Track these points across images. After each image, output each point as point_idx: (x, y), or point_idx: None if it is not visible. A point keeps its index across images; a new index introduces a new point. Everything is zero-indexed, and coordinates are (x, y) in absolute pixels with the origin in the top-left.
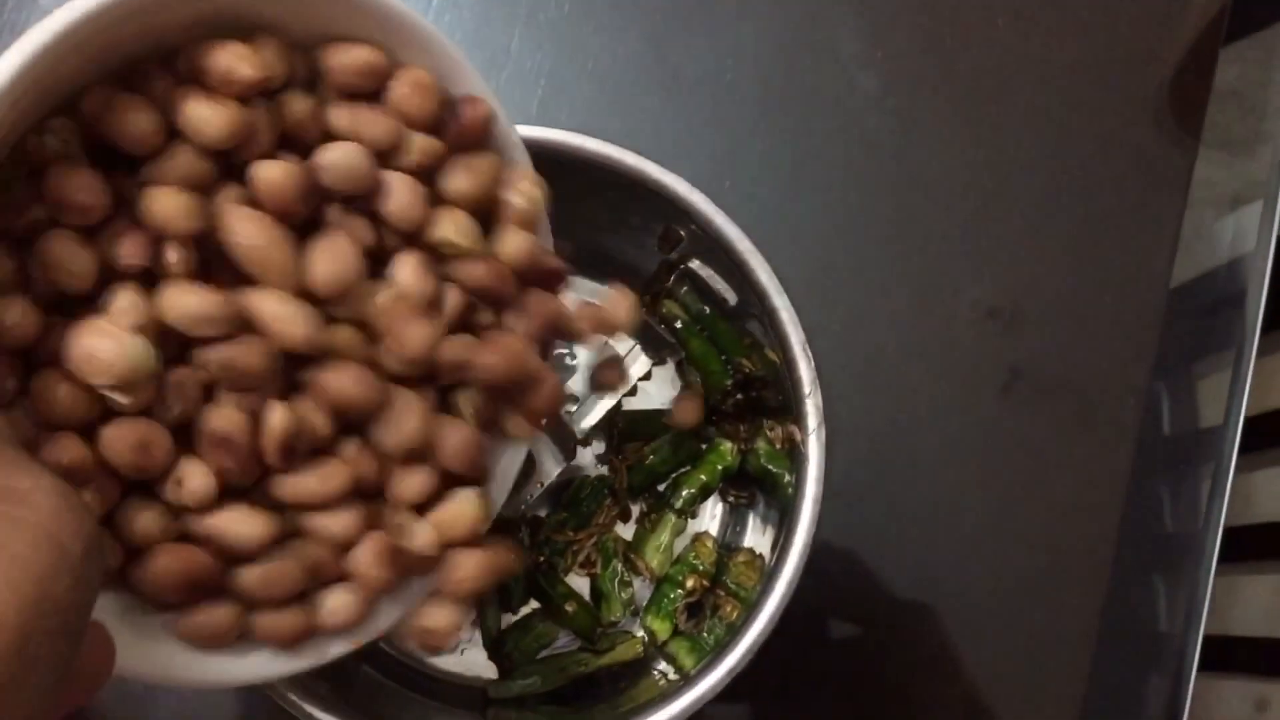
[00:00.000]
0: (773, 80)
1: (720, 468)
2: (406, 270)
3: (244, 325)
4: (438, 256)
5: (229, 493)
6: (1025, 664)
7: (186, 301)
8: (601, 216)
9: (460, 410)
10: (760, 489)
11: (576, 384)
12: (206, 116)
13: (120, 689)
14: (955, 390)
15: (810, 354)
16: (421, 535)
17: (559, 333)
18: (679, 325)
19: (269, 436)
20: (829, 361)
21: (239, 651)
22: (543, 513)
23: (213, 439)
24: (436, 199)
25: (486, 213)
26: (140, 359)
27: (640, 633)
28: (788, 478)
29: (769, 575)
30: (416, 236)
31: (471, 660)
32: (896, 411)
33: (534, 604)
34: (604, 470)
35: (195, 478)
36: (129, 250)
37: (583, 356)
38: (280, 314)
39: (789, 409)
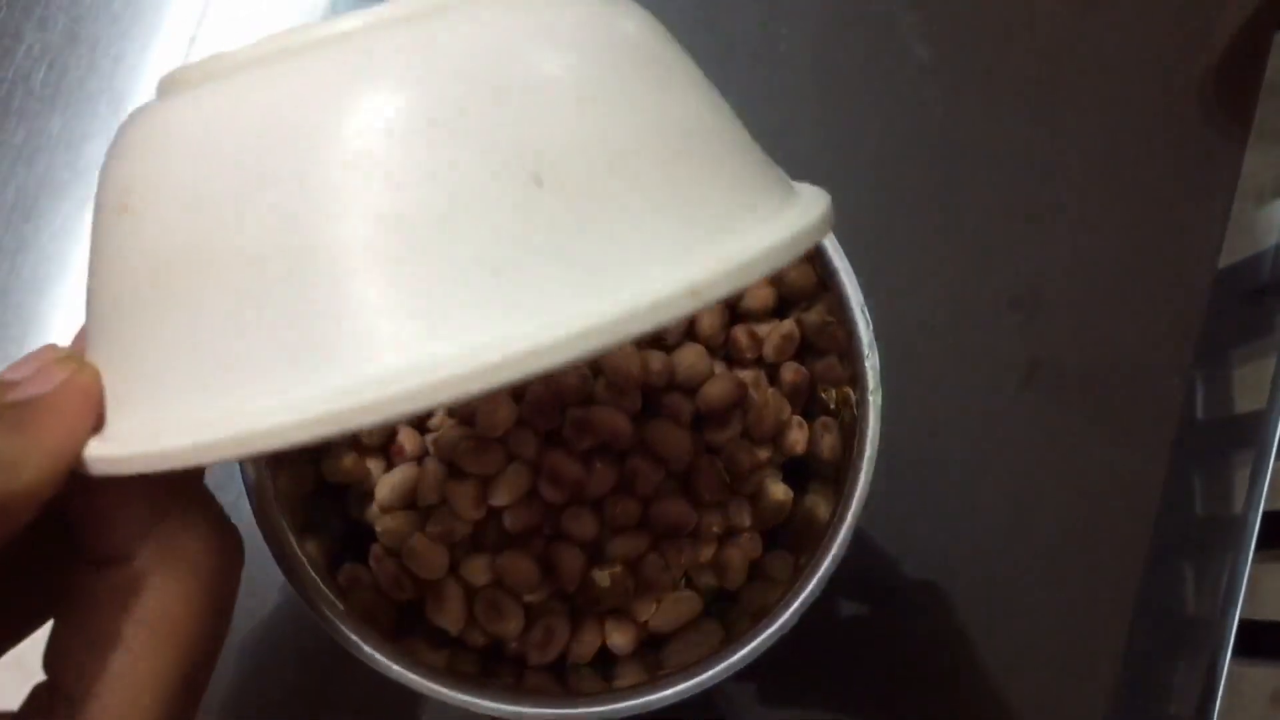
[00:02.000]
0: (827, 50)
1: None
2: None
3: None
4: None
5: None
6: (1049, 652)
7: None
8: None
9: None
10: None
11: None
12: None
13: None
14: (980, 375)
15: (868, 316)
16: None
17: None
18: None
19: None
20: None
21: None
22: None
23: None
24: None
25: None
26: None
27: None
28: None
29: (824, 536)
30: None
31: None
32: (926, 393)
33: None
34: None
35: None
36: None
37: None
38: None
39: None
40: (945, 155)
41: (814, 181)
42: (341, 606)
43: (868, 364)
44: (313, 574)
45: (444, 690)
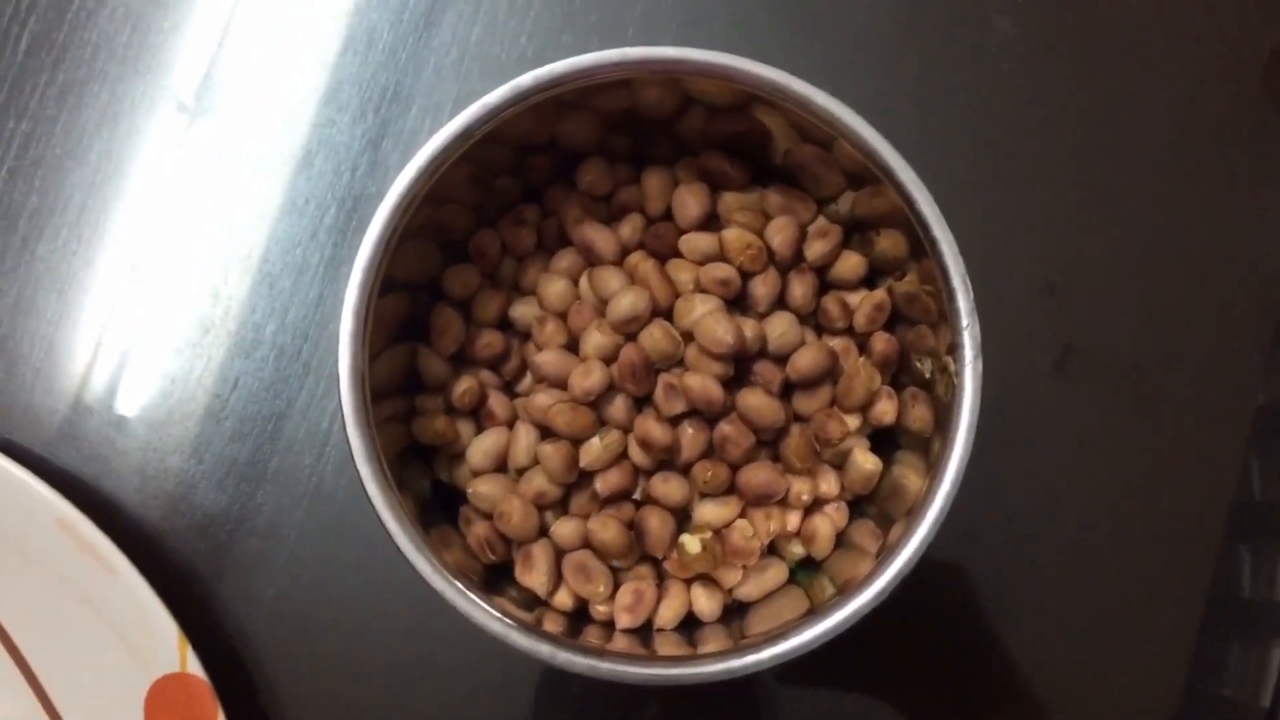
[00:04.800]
0: (908, 19)
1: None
2: None
3: None
4: None
5: None
6: (1073, 641)
7: None
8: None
9: None
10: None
11: None
12: None
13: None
14: (1012, 359)
15: (969, 286)
16: None
17: None
18: None
19: None
20: None
21: None
22: None
23: None
24: None
25: None
26: None
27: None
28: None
29: (918, 507)
30: None
31: None
32: None
33: None
34: None
35: None
36: None
37: None
38: None
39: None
40: (1019, 130)
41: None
42: (440, 562)
43: (967, 334)
44: (415, 527)
45: (548, 648)
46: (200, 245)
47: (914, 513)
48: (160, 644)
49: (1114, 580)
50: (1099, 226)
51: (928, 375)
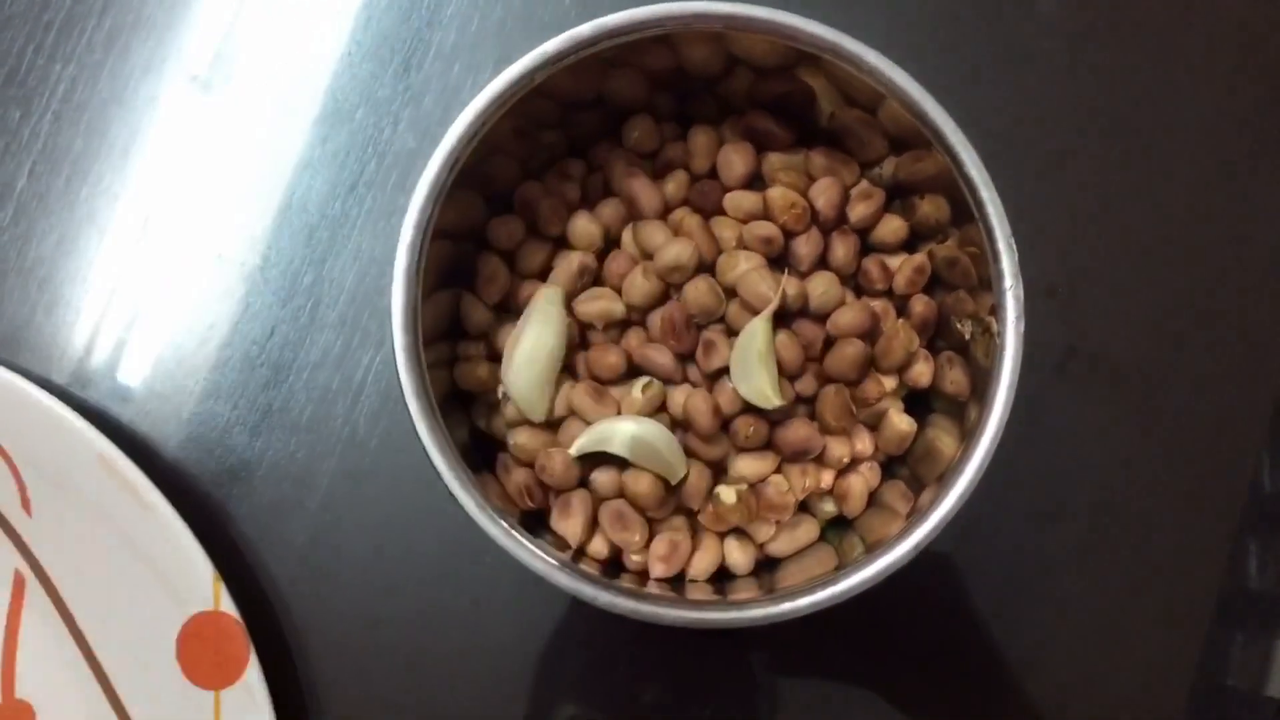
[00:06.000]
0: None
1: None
2: None
3: None
4: None
5: None
6: (1068, 639)
7: None
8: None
9: None
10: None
11: None
12: None
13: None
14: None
15: (1014, 248)
16: None
17: None
18: None
19: None
20: None
21: None
22: None
23: None
24: None
25: None
26: None
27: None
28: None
29: (953, 468)
30: None
31: None
32: None
33: None
34: None
35: None
36: None
37: None
38: None
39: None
40: (1058, 111)
41: None
42: (486, 500)
43: (1010, 294)
44: (462, 466)
45: (590, 588)
46: (242, 193)
47: (952, 468)
48: (195, 582)
49: (1119, 577)
50: (1104, 229)
51: (968, 336)
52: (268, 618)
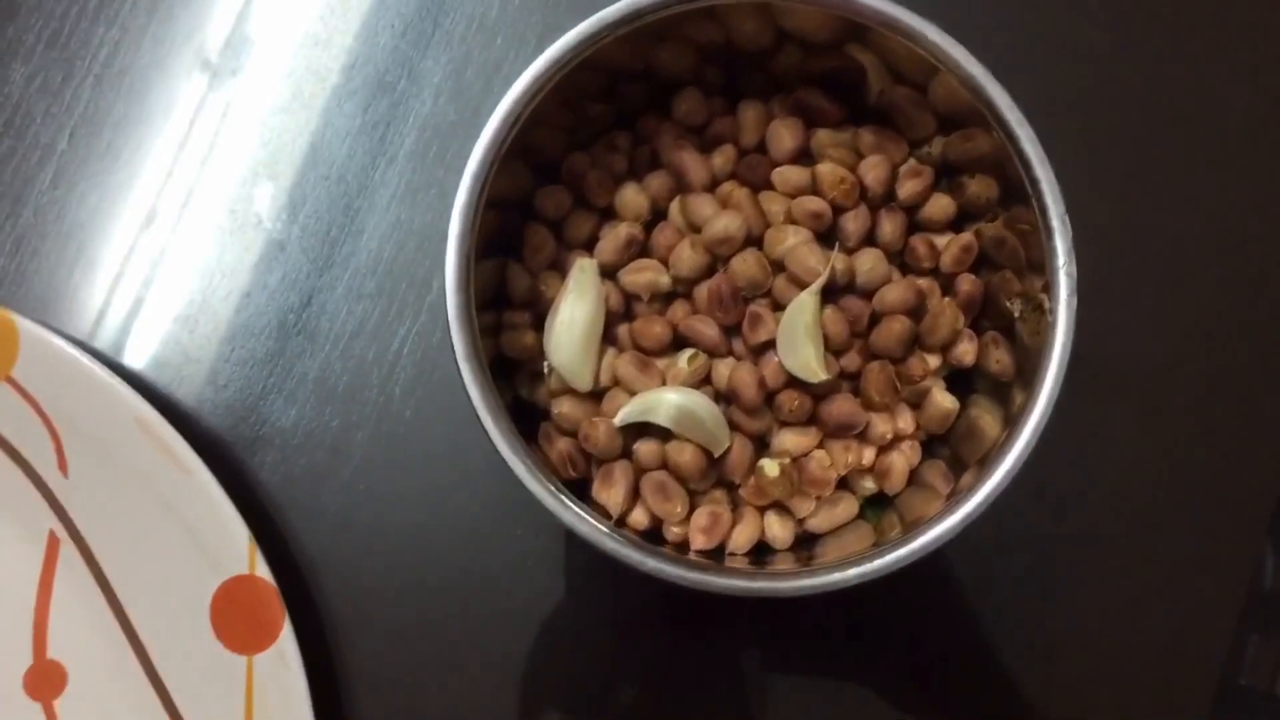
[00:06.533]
0: None
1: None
2: None
3: None
4: None
5: None
6: (1075, 643)
7: None
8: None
9: None
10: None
11: None
12: None
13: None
14: None
15: (1068, 225)
16: None
17: None
18: None
19: None
20: None
21: None
22: None
23: None
24: None
25: None
26: None
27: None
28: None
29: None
30: None
31: None
32: None
33: None
34: None
35: None
36: None
37: None
38: None
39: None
40: (1098, 103)
41: None
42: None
43: (1063, 271)
44: (512, 430)
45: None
46: (281, 162)
47: (999, 446)
48: (230, 546)
49: (1132, 582)
50: (1108, 234)
51: (1017, 315)
52: (299, 585)
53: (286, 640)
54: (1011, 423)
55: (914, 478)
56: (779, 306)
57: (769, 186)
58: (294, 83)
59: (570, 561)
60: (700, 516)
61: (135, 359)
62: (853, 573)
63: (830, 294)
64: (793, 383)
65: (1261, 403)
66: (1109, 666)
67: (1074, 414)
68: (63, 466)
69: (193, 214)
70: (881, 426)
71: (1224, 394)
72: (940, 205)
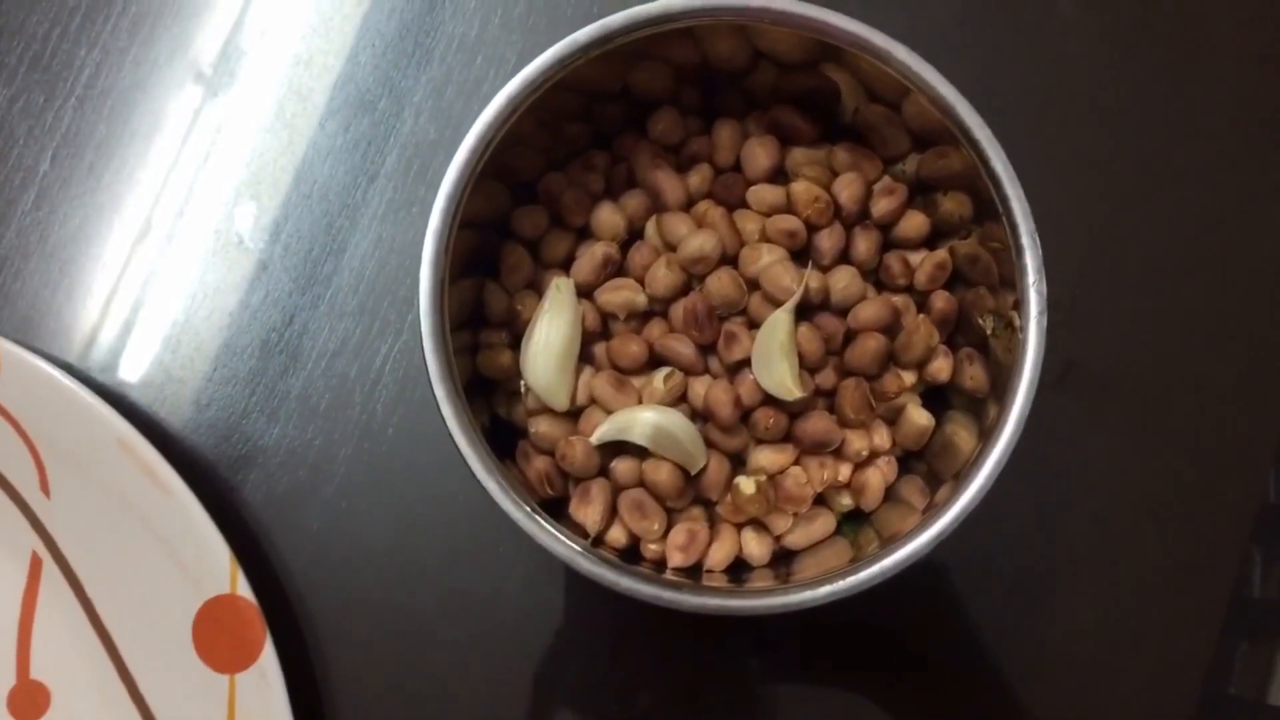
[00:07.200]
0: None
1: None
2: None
3: None
4: None
5: None
6: (1071, 652)
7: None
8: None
9: None
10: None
11: None
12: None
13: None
14: None
15: (1039, 243)
16: None
17: None
18: None
19: None
20: None
21: None
22: None
23: None
24: None
25: None
26: None
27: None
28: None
29: (972, 462)
30: None
31: None
32: None
33: None
34: None
35: None
36: None
37: None
38: None
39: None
40: (1082, 114)
41: None
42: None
43: (1034, 289)
44: (486, 450)
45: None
46: (263, 181)
47: (972, 462)
48: (212, 565)
49: (1121, 590)
50: (1110, 240)
51: (990, 332)
52: (282, 604)
53: (268, 659)
54: (985, 437)
55: (890, 493)
56: (754, 325)
57: (744, 205)
58: (276, 102)
59: (559, 578)
60: (677, 534)
61: (118, 379)
62: (824, 591)
63: (805, 312)
64: (768, 400)
65: (1246, 411)
66: (1097, 675)
67: (1061, 424)
68: (45, 487)
69: (176, 234)
70: (857, 443)
71: (1210, 403)
72: (914, 223)
